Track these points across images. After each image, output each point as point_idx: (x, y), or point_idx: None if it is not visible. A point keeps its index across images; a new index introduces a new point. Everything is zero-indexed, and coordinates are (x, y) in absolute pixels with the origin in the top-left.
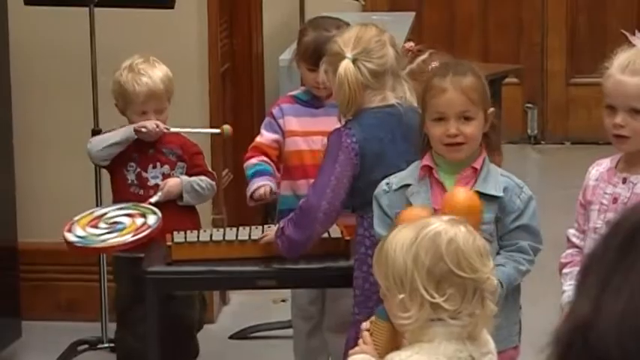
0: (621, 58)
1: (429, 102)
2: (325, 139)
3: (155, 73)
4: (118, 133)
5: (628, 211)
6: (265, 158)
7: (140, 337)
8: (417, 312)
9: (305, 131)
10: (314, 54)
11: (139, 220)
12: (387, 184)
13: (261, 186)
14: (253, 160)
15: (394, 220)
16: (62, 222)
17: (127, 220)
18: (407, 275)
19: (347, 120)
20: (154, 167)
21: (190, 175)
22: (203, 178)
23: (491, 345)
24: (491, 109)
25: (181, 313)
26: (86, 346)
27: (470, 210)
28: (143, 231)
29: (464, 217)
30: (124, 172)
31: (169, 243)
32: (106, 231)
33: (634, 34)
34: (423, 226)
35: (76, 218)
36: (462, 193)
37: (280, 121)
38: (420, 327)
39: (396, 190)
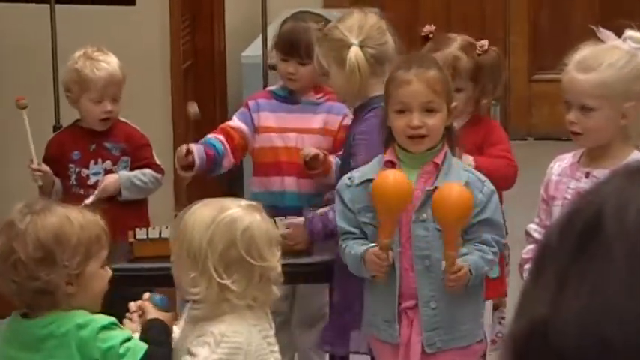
0: (578, 55)
1: (392, 93)
2: (297, 136)
3: (112, 60)
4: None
5: (587, 198)
6: (221, 137)
7: None
8: (204, 289)
9: (281, 127)
10: (287, 43)
11: None
12: (350, 178)
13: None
14: (210, 135)
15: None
16: None
17: None
18: (200, 254)
19: (378, 105)
20: (96, 163)
21: (135, 168)
22: (146, 171)
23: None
24: (454, 104)
25: None
26: None
27: (463, 206)
28: None
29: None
30: (67, 175)
31: (131, 240)
32: None
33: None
34: (221, 209)
35: None
36: (454, 190)
37: (254, 115)
38: (212, 306)
39: (358, 184)
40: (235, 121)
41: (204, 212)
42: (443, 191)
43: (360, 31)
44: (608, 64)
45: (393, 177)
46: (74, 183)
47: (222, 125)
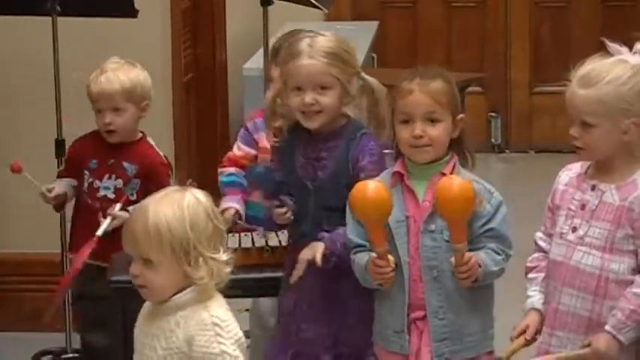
0: (582, 69)
1: (397, 104)
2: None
3: (115, 75)
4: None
5: None
6: (240, 170)
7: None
8: (206, 272)
9: None
10: (276, 49)
11: None
12: None
13: (227, 208)
14: (229, 169)
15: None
16: (27, 232)
17: None
18: (189, 244)
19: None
20: (109, 178)
21: (147, 187)
22: None
23: None
24: (461, 116)
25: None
26: (50, 356)
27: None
28: None
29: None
30: (81, 179)
31: None
32: None
33: (599, 43)
34: (178, 197)
35: None
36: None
37: (255, 136)
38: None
39: None
40: (241, 147)
41: (166, 209)
42: (444, 184)
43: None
44: (608, 80)
45: (371, 188)
46: (85, 190)
47: (230, 156)
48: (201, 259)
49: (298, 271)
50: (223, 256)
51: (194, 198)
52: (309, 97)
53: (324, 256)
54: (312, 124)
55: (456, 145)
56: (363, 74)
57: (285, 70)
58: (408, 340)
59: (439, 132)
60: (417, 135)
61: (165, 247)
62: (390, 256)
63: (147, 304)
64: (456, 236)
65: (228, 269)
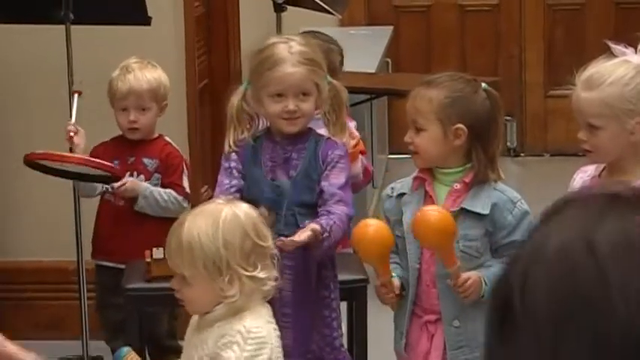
0: (586, 72)
1: None
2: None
3: (143, 74)
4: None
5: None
6: None
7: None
8: (238, 288)
9: None
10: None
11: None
12: (392, 188)
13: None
14: None
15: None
16: (41, 240)
17: None
18: (222, 260)
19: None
20: (131, 175)
21: (163, 186)
22: (169, 190)
23: None
24: (458, 126)
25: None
26: None
27: (443, 232)
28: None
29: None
30: None
31: (149, 260)
32: None
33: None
34: (214, 212)
35: None
36: (434, 216)
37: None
38: (246, 298)
39: (396, 196)
40: None
41: (201, 223)
42: (421, 218)
43: None
44: (611, 82)
45: (372, 227)
46: (108, 190)
47: None
48: (235, 276)
49: (294, 239)
50: (261, 274)
51: (232, 213)
52: (292, 105)
53: (319, 233)
54: (293, 129)
55: (483, 155)
56: (329, 77)
57: (265, 76)
58: (404, 344)
59: (422, 141)
60: (408, 142)
61: (197, 263)
62: (395, 282)
63: (194, 316)
64: (445, 262)
65: (267, 287)
